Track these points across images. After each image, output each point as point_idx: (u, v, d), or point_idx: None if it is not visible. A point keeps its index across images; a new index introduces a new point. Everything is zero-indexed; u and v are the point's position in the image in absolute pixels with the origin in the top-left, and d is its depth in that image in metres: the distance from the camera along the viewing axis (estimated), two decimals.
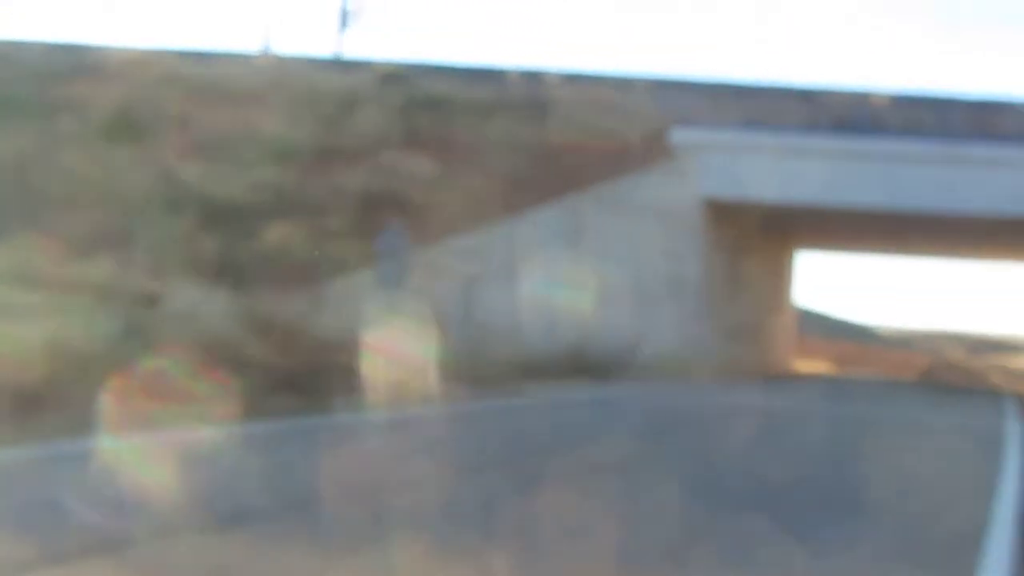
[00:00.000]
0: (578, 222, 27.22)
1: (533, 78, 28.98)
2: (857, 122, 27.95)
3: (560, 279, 25.73)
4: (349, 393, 13.00)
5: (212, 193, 25.81)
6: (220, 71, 29.61)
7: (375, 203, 25.22)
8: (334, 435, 11.17)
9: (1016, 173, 26.94)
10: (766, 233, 32.16)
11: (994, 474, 11.37)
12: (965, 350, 74.60)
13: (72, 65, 29.29)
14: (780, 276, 37.27)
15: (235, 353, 12.82)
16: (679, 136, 27.53)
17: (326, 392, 12.73)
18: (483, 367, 18.37)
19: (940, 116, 27.81)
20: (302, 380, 12.91)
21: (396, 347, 14.80)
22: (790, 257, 38.86)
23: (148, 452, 8.30)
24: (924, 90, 28.39)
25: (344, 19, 58.45)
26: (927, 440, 16.12)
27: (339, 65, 31.39)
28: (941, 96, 28.12)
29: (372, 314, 16.42)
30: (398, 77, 29.29)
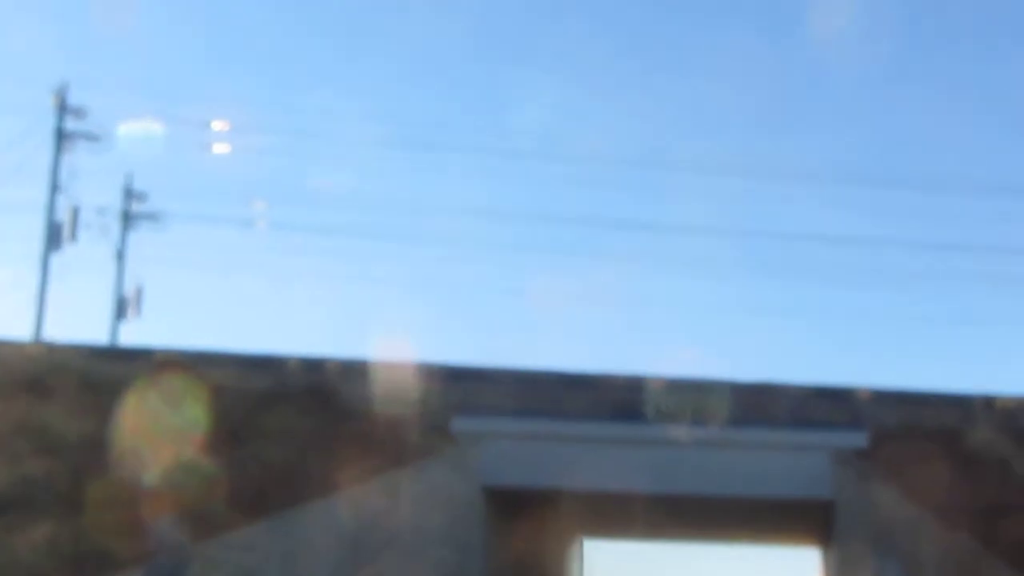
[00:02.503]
0: (360, 514, 26.79)
1: (315, 366, 28.81)
2: (635, 408, 28.40)
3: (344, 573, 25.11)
4: None
5: None
6: None
7: (153, 497, 24.51)
8: None
9: (788, 456, 27.56)
10: (550, 521, 32.10)
11: None
12: None
13: None
14: (566, 564, 37.06)
15: None
16: (461, 424, 27.55)
17: None
18: None
19: (713, 402, 28.42)
20: None
21: None
22: (577, 545, 38.76)
23: None
24: (696, 377, 29.06)
25: (121, 307, 57.86)
26: None
27: (115, 353, 30.85)
28: (711, 381, 28.81)
29: None
30: (174, 365, 28.82)
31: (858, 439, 27.73)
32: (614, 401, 28.49)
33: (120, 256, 58.51)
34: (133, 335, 56.47)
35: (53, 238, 53.79)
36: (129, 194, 59.14)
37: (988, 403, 28.23)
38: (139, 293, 58.20)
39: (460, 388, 28.26)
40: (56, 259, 53.89)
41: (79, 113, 55.57)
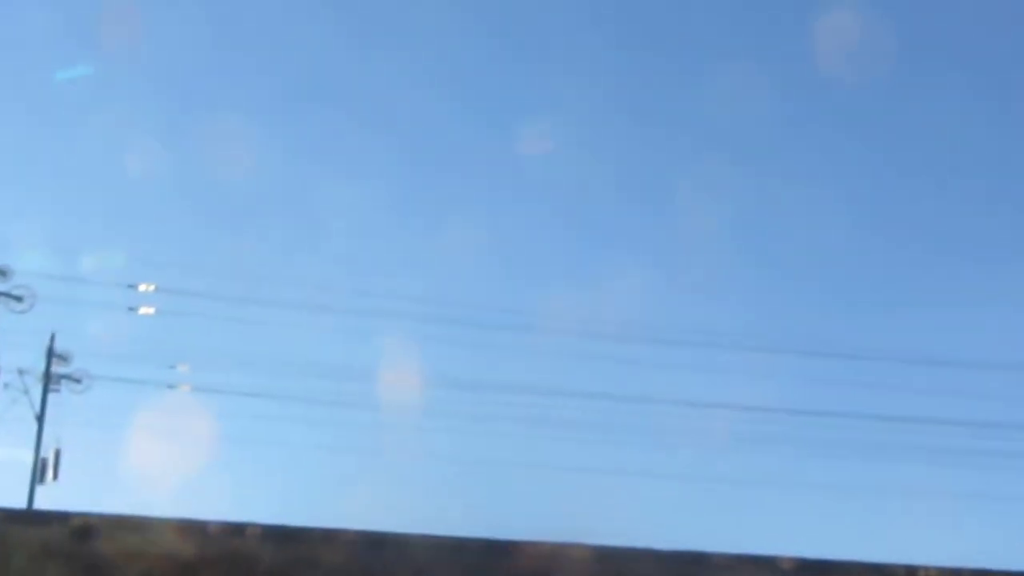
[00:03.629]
0: None
1: (236, 531, 28.46)
2: (552, 575, 28.26)
3: None
4: None
5: None
6: None
7: None
8: None
9: None
10: None
11: None
12: None
13: None
14: None
15: None
16: None
17: None
18: None
19: (642, 571, 28.39)
20: None
21: None
22: None
23: None
24: (621, 545, 29.02)
25: (41, 470, 56.97)
26: None
27: (31, 516, 30.30)
28: (639, 550, 28.78)
29: None
30: (90, 529, 28.38)
31: None
32: (533, 569, 28.34)
33: (40, 418, 57.83)
34: (49, 498, 55.58)
35: None
36: (51, 355, 58.68)
37: (910, 571, 28.38)
38: (58, 455, 57.44)
39: (383, 555, 28.01)
40: None
41: (3, 273, 55.36)
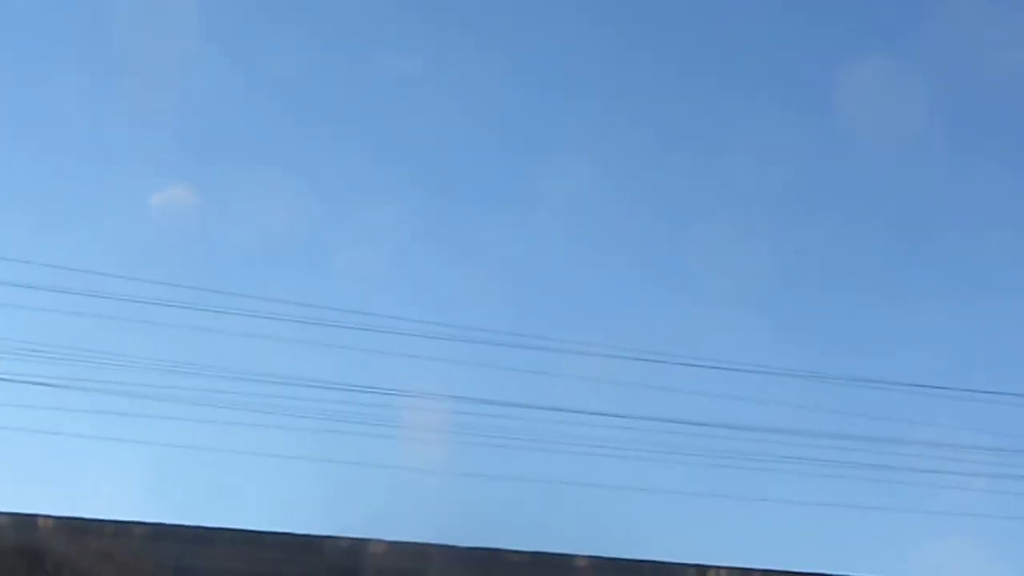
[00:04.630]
0: None
1: (23, 524, 27.74)
2: (358, 570, 28.18)
3: None
4: None
5: None
6: None
7: None
8: None
9: None
10: None
11: None
12: None
13: None
14: None
15: None
16: None
17: None
18: None
19: (438, 567, 28.46)
20: None
21: None
22: None
23: None
24: (418, 541, 29.00)
25: None
26: None
27: None
28: (433, 545, 28.79)
29: None
30: None
31: None
32: (333, 564, 28.22)
33: None
34: None
35: None
36: None
37: (700, 571, 29.08)
38: None
39: (177, 549, 27.59)
40: None
41: None
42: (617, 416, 33.63)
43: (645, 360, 34.38)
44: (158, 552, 27.34)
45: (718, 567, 28.95)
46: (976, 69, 49.34)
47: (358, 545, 28.36)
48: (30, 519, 27.74)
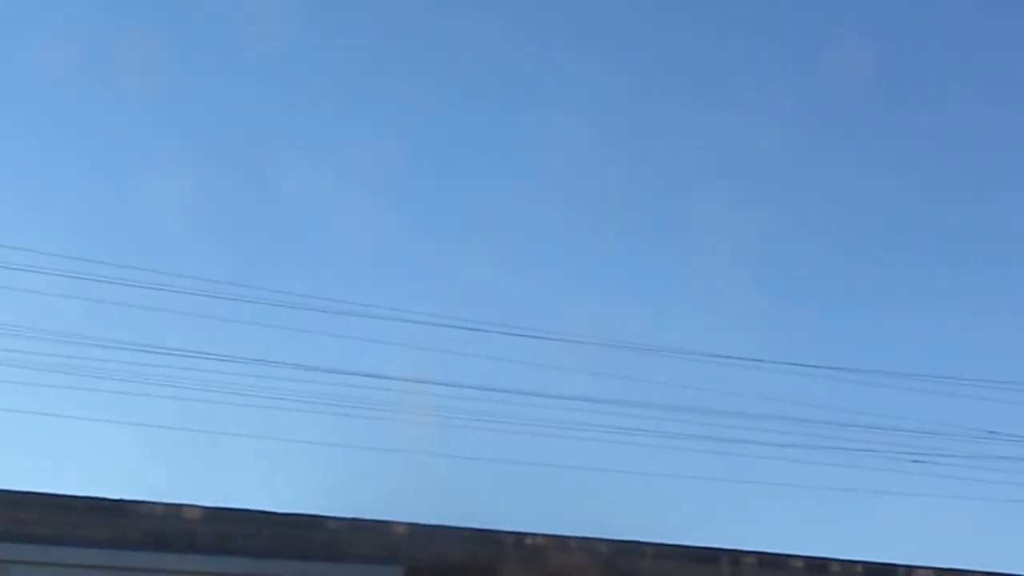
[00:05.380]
0: None
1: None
2: (169, 538, 26.98)
3: None
4: None
5: None
6: None
7: None
8: None
9: None
10: None
11: None
12: None
13: None
14: None
15: None
16: None
17: None
18: None
19: (250, 533, 27.53)
20: None
21: None
22: None
23: None
24: (236, 507, 28.01)
25: None
26: None
27: None
28: (252, 512, 27.91)
29: None
30: None
31: (394, 574, 27.68)
32: (147, 530, 26.96)
33: None
34: None
35: None
36: None
37: (518, 540, 28.99)
38: None
39: None
40: None
41: None
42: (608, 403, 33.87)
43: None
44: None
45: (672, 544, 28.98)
46: None
47: (173, 511, 27.27)
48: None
